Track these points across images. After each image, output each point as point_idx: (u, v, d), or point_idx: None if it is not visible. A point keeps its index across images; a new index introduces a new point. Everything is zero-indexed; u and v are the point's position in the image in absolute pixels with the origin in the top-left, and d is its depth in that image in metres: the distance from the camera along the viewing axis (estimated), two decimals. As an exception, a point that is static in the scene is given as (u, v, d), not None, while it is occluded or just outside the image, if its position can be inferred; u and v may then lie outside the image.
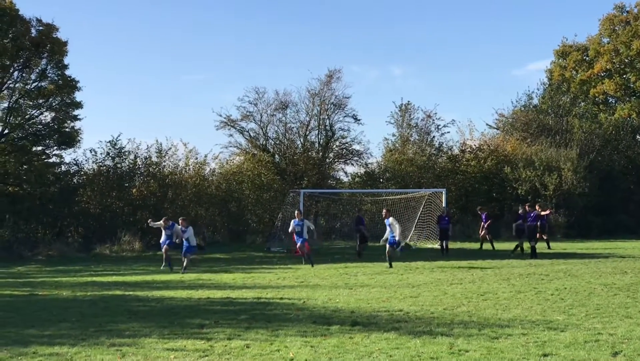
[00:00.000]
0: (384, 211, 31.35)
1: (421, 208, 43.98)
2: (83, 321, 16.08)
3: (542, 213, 36.93)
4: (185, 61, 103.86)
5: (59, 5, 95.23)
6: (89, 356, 12.02)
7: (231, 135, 55.05)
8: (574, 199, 50.74)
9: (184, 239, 31.18)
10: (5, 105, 47.23)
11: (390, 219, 30.41)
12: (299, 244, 32.48)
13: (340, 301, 18.76)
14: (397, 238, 29.91)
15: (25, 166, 47.67)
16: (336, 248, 43.75)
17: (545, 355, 11.51)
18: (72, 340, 13.54)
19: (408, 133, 58.21)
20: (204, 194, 49.14)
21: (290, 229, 33.00)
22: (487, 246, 38.93)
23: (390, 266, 29.47)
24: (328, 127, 54.82)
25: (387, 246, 30.10)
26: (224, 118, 53.85)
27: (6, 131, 47.08)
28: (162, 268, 32.36)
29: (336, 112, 54.83)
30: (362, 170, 55.15)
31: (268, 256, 39.05)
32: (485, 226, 39.32)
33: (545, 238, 37.75)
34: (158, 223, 33.38)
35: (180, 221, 31.83)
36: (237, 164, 52.86)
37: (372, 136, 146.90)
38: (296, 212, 33.31)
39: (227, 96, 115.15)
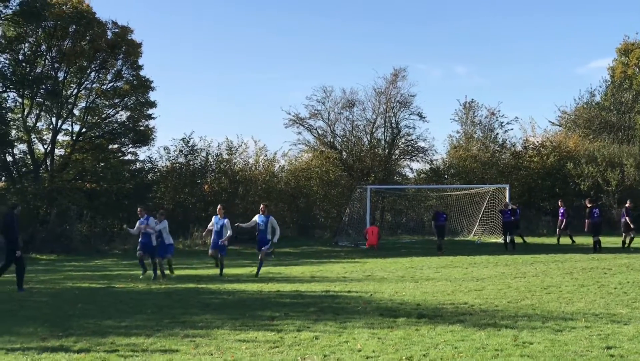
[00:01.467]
0: (262, 206, 26.20)
1: (485, 203, 43.71)
2: (158, 312, 16.24)
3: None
4: (256, 60, 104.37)
5: (133, 7, 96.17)
6: (164, 346, 12.14)
7: (300, 133, 55.41)
8: (637, 195, 50.03)
9: (153, 236, 26.06)
10: (83, 105, 47.98)
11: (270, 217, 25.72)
12: (264, 248, 25.46)
13: (407, 294, 18.71)
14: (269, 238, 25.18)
15: (102, 164, 48.32)
16: (402, 242, 43.65)
17: (608, 348, 11.37)
18: (148, 331, 13.68)
19: (472, 130, 57.93)
20: (273, 190, 49.29)
21: (245, 225, 27.02)
22: (565, 240, 38.37)
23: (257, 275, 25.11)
24: (394, 125, 54.80)
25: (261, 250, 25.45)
26: (293, 116, 54.17)
27: (84, 130, 47.79)
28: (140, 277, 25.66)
29: (402, 110, 54.83)
30: (427, 166, 55.08)
31: (336, 250, 39.11)
32: (564, 220, 38.73)
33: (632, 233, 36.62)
34: (134, 229, 27.32)
35: (138, 210, 27.36)
36: (306, 161, 53.09)
37: (437, 133, 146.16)
38: (262, 205, 26.22)
39: (296, 95, 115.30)
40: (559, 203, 39.24)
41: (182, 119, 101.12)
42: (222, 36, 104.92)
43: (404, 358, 10.90)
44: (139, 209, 27.37)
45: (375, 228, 40.26)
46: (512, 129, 78.75)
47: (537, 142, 56.01)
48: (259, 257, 25.57)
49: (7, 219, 21.70)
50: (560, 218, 38.63)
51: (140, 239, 26.35)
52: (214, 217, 27.40)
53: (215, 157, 49.67)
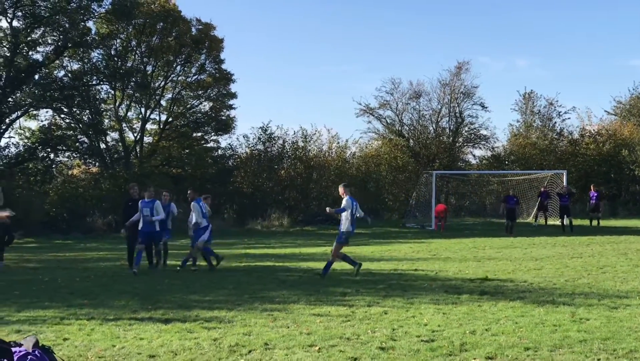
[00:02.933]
0: (189, 191, 22.94)
1: (542, 189, 43.23)
2: (238, 288, 16.37)
3: None
4: (330, 53, 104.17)
5: (216, 4, 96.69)
6: (244, 320, 12.23)
7: (370, 122, 55.60)
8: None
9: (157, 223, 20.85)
10: (170, 96, 48.64)
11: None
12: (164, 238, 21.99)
13: (469, 273, 18.61)
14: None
15: (186, 150, 48.89)
16: (465, 224, 43.38)
17: (662, 325, 11.20)
18: (229, 305, 13.80)
19: (531, 119, 57.28)
20: (345, 175, 49.34)
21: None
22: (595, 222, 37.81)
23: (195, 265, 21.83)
24: (458, 114, 54.45)
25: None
26: (364, 106, 54.11)
27: (170, 119, 48.41)
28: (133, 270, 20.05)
29: (465, 100, 54.41)
30: (489, 153, 54.67)
31: (403, 232, 39.03)
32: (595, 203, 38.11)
33: None
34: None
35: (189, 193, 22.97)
36: (375, 148, 53.23)
37: (498, 122, 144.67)
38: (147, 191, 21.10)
39: (366, 86, 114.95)
40: (591, 187, 38.59)
41: (260, 109, 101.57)
42: (299, 31, 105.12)
43: (467, 332, 10.84)
44: (189, 191, 22.93)
45: (442, 206, 40.04)
46: (569, 118, 77.60)
47: (594, 130, 55.15)
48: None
49: None
50: (592, 201, 37.94)
51: (142, 228, 20.51)
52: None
53: (291, 144, 49.90)
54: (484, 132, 54.64)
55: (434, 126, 54.97)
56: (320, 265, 21.20)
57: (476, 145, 55.14)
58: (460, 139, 55.21)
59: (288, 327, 11.48)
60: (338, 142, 51.48)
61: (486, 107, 55.45)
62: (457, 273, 18.78)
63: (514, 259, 22.14)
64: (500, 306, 13.09)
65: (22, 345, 8.87)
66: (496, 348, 9.71)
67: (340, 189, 19.70)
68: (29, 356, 8.35)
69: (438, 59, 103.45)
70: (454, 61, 78.76)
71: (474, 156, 56.16)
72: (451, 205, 51.21)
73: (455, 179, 51.61)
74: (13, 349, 8.49)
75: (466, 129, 54.98)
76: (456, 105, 54.31)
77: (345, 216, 19.57)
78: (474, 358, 9.26)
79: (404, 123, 54.81)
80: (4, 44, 42.55)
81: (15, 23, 42.04)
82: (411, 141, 54.29)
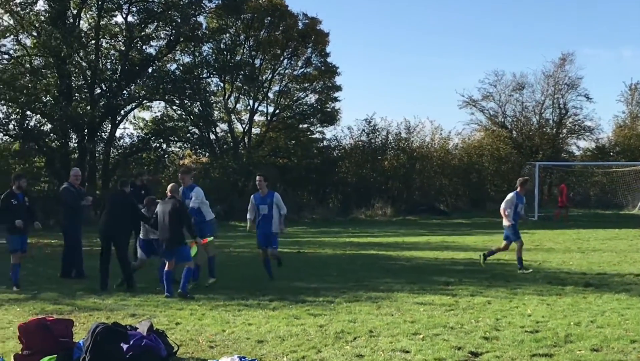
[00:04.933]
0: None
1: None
2: (343, 276, 16.43)
3: None
4: (434, 44, 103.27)
5: None
6: (349, 306, 12.26)
7: (472, 113, 55.12)
8: None
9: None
10: (277, 88, 49.01)
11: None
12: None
13: (574, 264, 18.28)
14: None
15: (293, 141, 49.25)
16: (569, 215, 42.56)
17: None
18: (335, 292, 13.84)
19: (637, 110, 55.91)
20: (447, 166, 49.22)
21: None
22: None
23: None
24: (561, 106, 53.53)
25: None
26: (467, 98, 53.70)
27: (277, 111, 48.83)
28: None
29: (569, 92, 53.43)
30: (593, 145, 53.63)
31: (505, 222, 38.50)
32: None
33: None
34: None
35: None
36: (478, 139, 52.74)
37: (603, 113, 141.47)
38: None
39: (469, 78, 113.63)
40: None
41: (364, 100, 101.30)
42: (403, 23, 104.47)
43: (572, 323, 10.64)
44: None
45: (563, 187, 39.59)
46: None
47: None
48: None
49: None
50: None
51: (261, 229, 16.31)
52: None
53: (394, 135, 49.81)
54: (588, 123, 53.55)
55: (537, 117, 54.22)
56: (423, 254, 21.14)
57: (580, 136, 54.20)
58: (564, 131, 54.27)
59: (392, 315, 11.46)
60: (441, 134, 51.27)
61: (591, 99, 54.14)
62: (560, 264, 18.49)
63: (619, 251, 21.66)
64: (606, 298, 12.82)
65: (138, 328, 9.08)
66: (601, 340, 9.50)
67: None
68: (144, 340, 8.54)
69: (541, 51, 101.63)
70: (557, 53, 77.19)
71: (577, 147, 55.33)
72: (554, 197, 50.38)
73: (558, 170, 50.82)
74: (129, 332, 8.69)
75: (570, 120, 54.03)
76: (560, 96, 53.41)
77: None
78: (579, 350, 9.08)
79: (506, 115, 54.23)
80: (120, 39, 43.52)
81: (130, 18, 42.99)
82: (514, 132, 53.62)
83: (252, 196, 16.21)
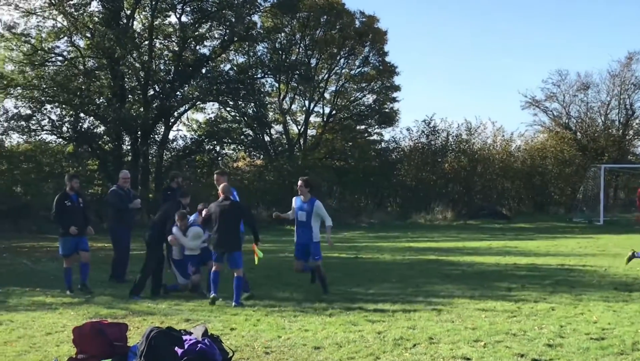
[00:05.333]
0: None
1: None
2: (402, 282, 16.43)
3: None
4: (495, 43, 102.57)
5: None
6: (408, 313, 12.27)
7: (535, 114, 54.77)
8: None
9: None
10: (333, 88, 49.06)
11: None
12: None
13: (642, 271, 18.09)
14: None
15: (350, 143, 49.27)
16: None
17: None
18: (393, 298, 13.87)
19: None
20: (510, 169, 48.94)
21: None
22: None
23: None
24: (628, 107, 52.90)
25: None
26: (529, 99, 53.33)
27: (334, 112, 48.91)
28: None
29: (636, 92, 52.78)
30: (662, 147, 52.96)
31: (570, 226, 38.19)
32: None
33: None
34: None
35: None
36: (541, 141, 52.35)
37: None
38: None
39: (532, 78, 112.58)
40: None
41: (424, 101, 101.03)
42: (463, 22, 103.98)
43: (639, 331, 10.54)
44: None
45: None
46: None
47: None
48: None
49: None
50: None
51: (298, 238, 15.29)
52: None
53: (455, 137, 49.66)
54: (657, 123, 52.85)
55: (602, 118, 53.66)
56: (484, 259, 21.08)
57: (648, 137, 53.53)
58: (631, 132, 53.66)
59: (453, 321, 11.46)
60: (503, 135, 50.93)
61: (658, 100, 53.55)
62: (627, 269, 18.27)
63: (690, 257, 21.32)
64: (676, 306, 12.67)
65: (192, 333, 9.20)
66: (671, 349, 9.41)
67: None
68: (199, 345, 8.65)
69: (607, 50, 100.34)
70: (624, 52, 76.18)
71: (645, 149, 54.60)
72: (620, 200, 49.85)
73: (625, 173, 50.25)
74: (184, 337, 8.81)
75: (637, 121, 53.39)
76: (626, 97, 52.82)
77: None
78: (648, 359, 9.00)
79: (571, 116, 53.75)
80: (173, 39, 43.94)
81: (183, 18, 43.33)
82: (578, 133, 53.08)
83: (294, 198, 15.42)
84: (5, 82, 38.22)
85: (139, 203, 18.26)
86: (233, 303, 13.46)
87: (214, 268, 14.08)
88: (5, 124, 38.70)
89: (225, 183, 14.86)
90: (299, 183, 15.13)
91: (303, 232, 15.01)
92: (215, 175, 16.33)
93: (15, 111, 39.39)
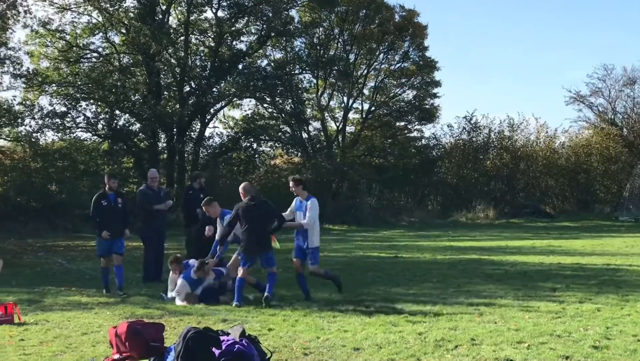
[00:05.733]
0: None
1: None
2: (443, 282, 16.40)
3: None
4: (538, 38, 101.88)
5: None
6: (449, 314, 12.24)
7: (580, 110, 54.81)
8: None
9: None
10: (372, 84, 49.01)
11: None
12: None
13: (692, 271, 17.90)
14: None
15: (389, 140, 49.29)
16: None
17: None
18: (434, 299, 13.84)
19: None
20: (553, 166, 48.71)
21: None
22: None
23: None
24: (678, 101, 52.35)
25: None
26: (574, 94, 52.93)
27: (373, 108, 48.86)
28: None
29: (684, 87, 52.22)
30: None
31: (616, 225, 37.92)
32: None
33: None
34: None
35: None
36: (586, 138, 51.88)
37: None
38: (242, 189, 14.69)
39: (576, 73, 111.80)
40: None
41: (465, 97, 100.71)
42: (505, 17, 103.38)
43: (689, 333, 10.45)
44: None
45: None
46: None
47: None
48: None
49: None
50: None
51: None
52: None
53: (497, 134, 49.48)
54: None
55: (649, 114, 53.09)
56: (528, 259, 20.97)
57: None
58: (679, 128, 53.06)
59: (495, 322, 11.41)
60: (546, 132, 50.80)
61: None
62: (676, 270, 18.09)
63: None
64: None
65: (230, 333, 9.24)
66: None
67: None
68: (236, 345, 8.69)
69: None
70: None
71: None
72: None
73: (675, 170, 49.76)
74: (221, 338, 8.85)
75: (686, 116, 52.76)
76: (676, 91, 52.21)
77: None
78: (698, 362, 8.92)
79: (617, 111, 53.29)
80: (209, 35, 44.16)
81: (219, 13, 43.52)
82: (625, 130, 52.57)
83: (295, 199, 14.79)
84: (40, 79, 38.64)
85: (170, 203, 18.20)
86: (266, 293, 13.52)
87: (240, 274, 13.86)
88: (40, 122, 38.98)
89: (245, 183, 14.91)
90: (290, 183, 14.71)
91: (300, 233, 14.67)
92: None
93: (50, 108, 39.79)
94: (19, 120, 37.05)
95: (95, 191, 16.06)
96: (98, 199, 15.45)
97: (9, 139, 38.35)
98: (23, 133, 38.03)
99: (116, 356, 9.22)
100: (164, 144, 43.27)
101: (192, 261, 14.74)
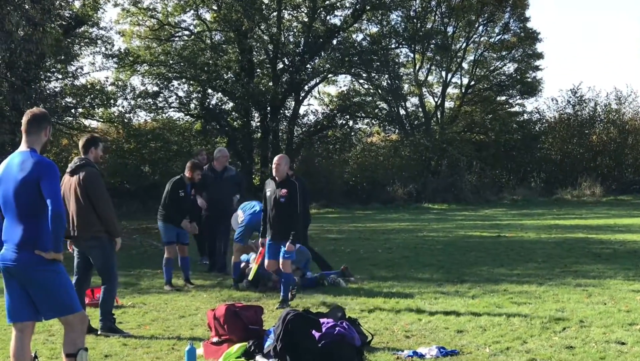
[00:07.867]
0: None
1: None
2: (549, 261, 16.24)
3: None
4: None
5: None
6: (556, 295, 12.14)
7: (694, 79, 52.96)
8: None
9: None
10: (471, 58, 48.47)
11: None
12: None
13: None
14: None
15: (489, 115, 48.77)
16: None
17: None
18: (540, 279, 13.74)
19: None
20: (665, 140, 47.57)
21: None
22: None
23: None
24: None
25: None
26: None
27: (472, 83, 48.39)
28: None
29: None
30: None
31: None
32: None
33: None
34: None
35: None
36: None
37: None
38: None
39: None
40: None
41: (570, 69, 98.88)
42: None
43: None
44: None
45: None
46: None
47: None
48: None
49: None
50: None
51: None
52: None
53: (603, 107, 48.51)
54: None
55: None
56: (638, 237, 20.61)
57: None
58: None
59: (605, 303, 11.29)
60: (658, 103, 49.45)
61: None
62: None
63: None
64: None
65: (329, 316, 9.34)
66: None
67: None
68: (337, 328, 8.76)
69: None
70: None
71: None
72: None
73: None
74: (321, 320, 8.94)
75: None
76: None
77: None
78: None
79: None
80: (302, 10, 44.26)
81: (313, -13, 43.55)
82: None
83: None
84: (131, 58, 39.26)
85: (203, 203, 16.45)
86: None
87: (267, 265, 12.53)
88: (133, 102, 39.64)
89: (281, 155, 12.68)
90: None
91: None
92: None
93: (142, 88, 40.49)
94: (112, 101, 37.60)
95: (177, 178, 14.86)
96: (176, 187, 14.37)
97: (102, 120, 39.02)
98: (116, 114, 38.66)
99: (215, 339, 9.40)
100: (258, 123, 43.64)
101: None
